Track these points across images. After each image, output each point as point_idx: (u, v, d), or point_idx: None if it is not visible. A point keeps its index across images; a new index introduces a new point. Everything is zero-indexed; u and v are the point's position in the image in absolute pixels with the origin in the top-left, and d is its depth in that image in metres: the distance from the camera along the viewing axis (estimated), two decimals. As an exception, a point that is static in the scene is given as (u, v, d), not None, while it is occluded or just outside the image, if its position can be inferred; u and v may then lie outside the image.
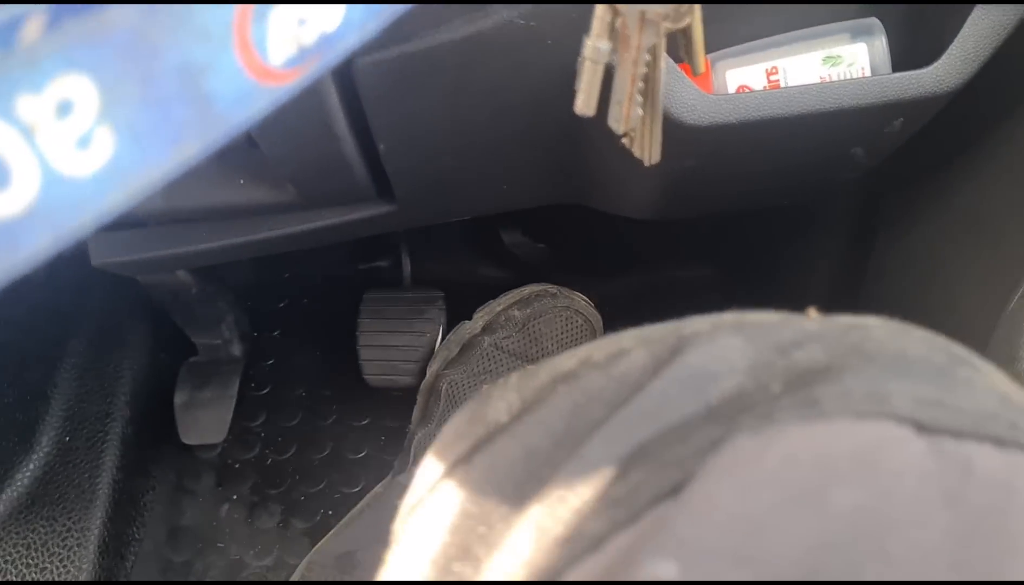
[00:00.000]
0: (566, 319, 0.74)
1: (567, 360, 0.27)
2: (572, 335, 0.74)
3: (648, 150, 0.32)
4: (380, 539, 0.60)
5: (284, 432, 0.90)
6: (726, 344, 0.24)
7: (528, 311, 0.74)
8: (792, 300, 0.80)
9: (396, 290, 0.86)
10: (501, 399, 0.28)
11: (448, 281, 0.95)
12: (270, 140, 0.44)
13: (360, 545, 0.68)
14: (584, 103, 0.30)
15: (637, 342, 0.26)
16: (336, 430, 0.90)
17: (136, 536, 0.83)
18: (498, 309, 0.75)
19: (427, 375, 0.77)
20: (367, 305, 0.84)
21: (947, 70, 0.43)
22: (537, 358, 0.73)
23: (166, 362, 0.87)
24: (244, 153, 0.51)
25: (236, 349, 0.81)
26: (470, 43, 0.40)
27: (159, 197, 0.50)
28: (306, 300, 0.99)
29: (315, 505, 0.85)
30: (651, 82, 0.30)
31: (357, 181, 0.51)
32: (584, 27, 0.31)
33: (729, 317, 0.27)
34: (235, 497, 0.86)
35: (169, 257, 0.54)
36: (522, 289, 0.76)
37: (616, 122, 0.30)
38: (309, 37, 0.16)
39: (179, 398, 0.79)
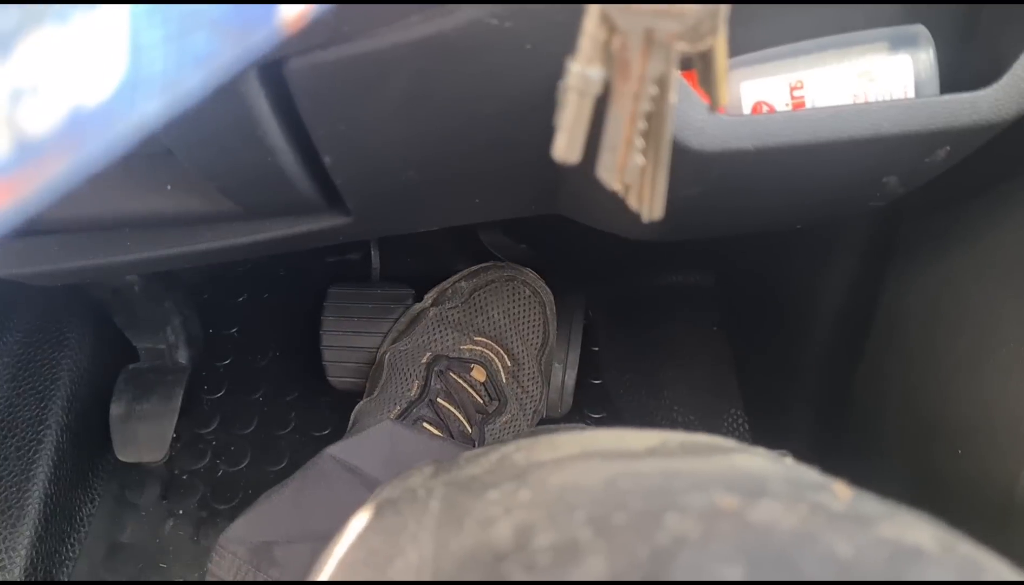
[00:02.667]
0: (512, 289, 0.73)
1: (502, 524, 0.20)
2: (519, 306, 0.73)
3: (649, 204, 0.25)
4: (303, 532, 0.53)
5: (237, 441, 0.83)
6: (721, 575, 0.17)
7: (475, 281, 0.74)
8: (796, 317, 0.73)
9: (363, 286, 0.79)
10: (413, 545, 0.22)
11: (421, 277, 0.88)
12: (186, 151, 0.37)
13: (280, 535, 0.61)
14: (567, 146, 0.22)
15: (596, 535, 0.19)
16: (294, 439, 0.83)
17: (70, 555, 0.76)
18: (447, 284, 0.75)
19: (376, 357, 0.75)
20: (332, 301, 0.77)
21: (1008, 94, 0.35)
22: (483, 329, 0.71)
23: (109, 363, 0.80)
24: (168, 157, 0.43)
25: (182, 356, 0.74)
26: (429, 46, 0.32)
27: (60, 203, 0.42)
28: (266, 295, 0.92)
29: (268, 524, 0.78)
30: (656, 122, 0.22)
31: (302, 194, 0.43)
32: (572, 32, 0.23)
33: (727, 504, 0.20)
34: (181, 512, 0.79)
35: (78, 269, 0.47)
36: (472, 267, 0.76)
37: (608, 172, 0.23)
38: (42, 120, 0.09)
39: (115, 409, 0.71)
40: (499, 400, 0.69)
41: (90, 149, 0.10)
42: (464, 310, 0.73)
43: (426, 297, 0.75)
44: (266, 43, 0.12)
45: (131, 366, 0.76)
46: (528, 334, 0.73)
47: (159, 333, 0.74)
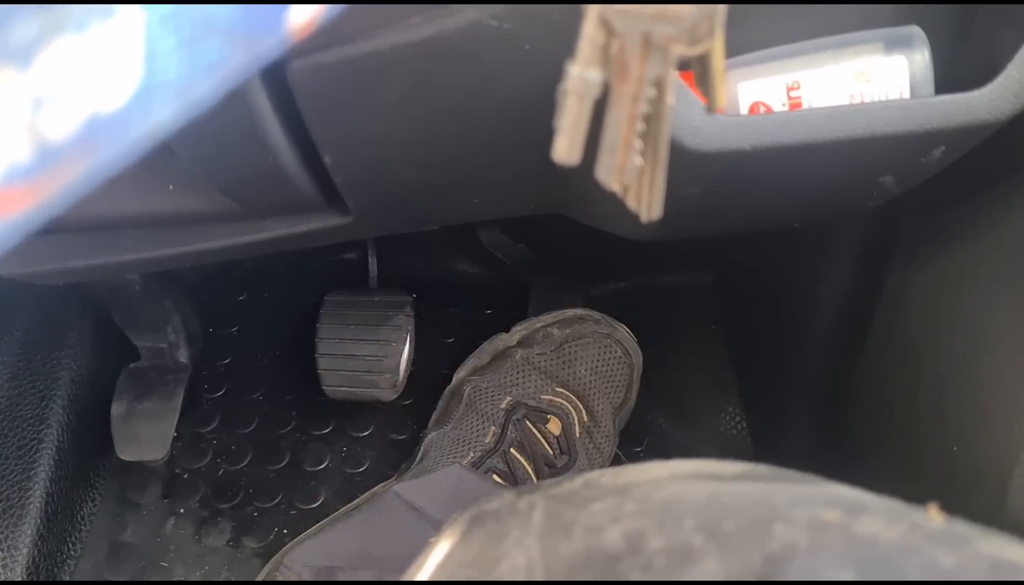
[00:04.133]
0: (605, 347, 0.73)
1: (612, 531, 0.21)
2: (608, 365, 0.73)
3: (647, 204, 0.25)
4: (367, 562, 0.54)
5: (238, 440, 0.83)
6: (833, 579, 0.18)
7: (568, 332, 0.73)
8: (793, 315, 0.74)
9: (361, 292, 0.79)
10: (519, 549, 0.22)
11: (420, 278, 0.88)
12: (189, 151, 0.37)
13: (344, 562, 0.62)
14: (567, 148, 0.23)
15: (707, 540, 0.20)
16: (295, 439, 0.83)
17: (72, 554, 0.76)
18: (537, 325, 0.75)
19: (452, 381, 0.75)
20: (328, 309, 0.76)
21: (1002, 94, 0.36)
22: (567, 382, 0.71)
23: (110, 362, 0.80)
24: (169, 157, 0.43)
25: (182, 355, 0.74)
26: (429, 46, 0.32)
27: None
28: (266, 293, 0.92)
29: (268, 522, 0.78)
30: (654, 123, 0.23)
31: (302, 193, 0.44)
32: (570, 33, 0.24)
33: (831, 518, 0.20)
34: (182, 511, 0.79)
35: (79, 269, 0.47)
36: (566, 311, 0.75)
37: (607, 173, 0.23)
38: (62, 126, 0.09)
39: (117, 409, 0.72)
40: (570, 455, 0.69)
41: (107, 154, 0.10)
42: (552, 359, 0.72)
43: (513, 331, 0.74)
44: (275, 50, 0.12)
45: (132, 365, 0.76)
46: (611, 393, 0.73)
47: (159, 332, 0.74)
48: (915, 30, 0.39)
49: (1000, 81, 0.36)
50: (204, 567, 0.76)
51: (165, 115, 0.10)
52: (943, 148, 0.38)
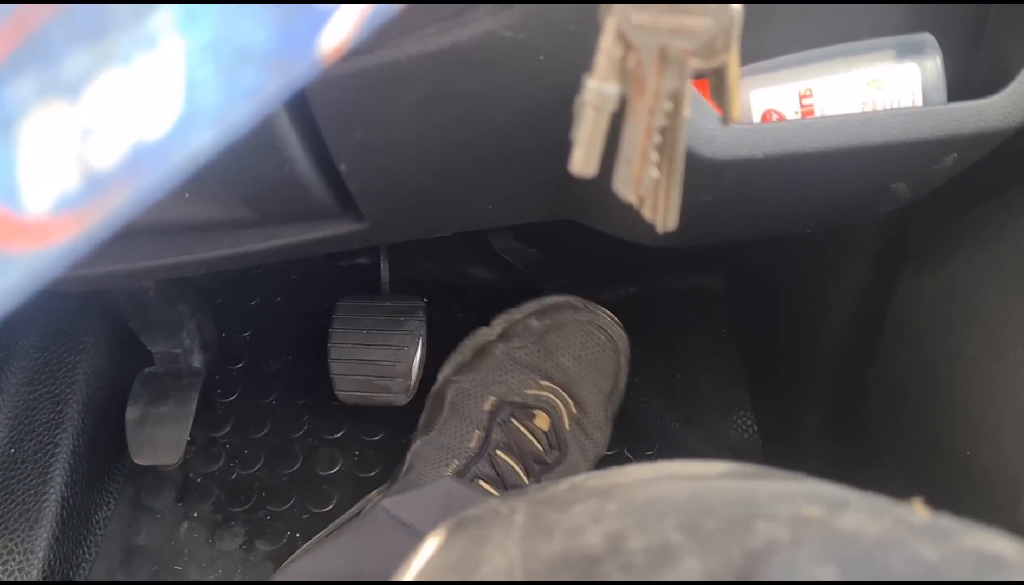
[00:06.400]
0: (586, 334, 0.71)
1: (592, 532, 0.21)
2: (591, 352, 0.71)
3: (663, 215, 0.25)
4: (354, 578, 0.54)
5: (251, 444, 0.83)
6: (814, 575, 0.18)
7: (547, 322, 0.71)
8: (805, 319, 0.74)
9: (373, 297, 0.79)
10: (499, 553, 0.22)
11: (432, 282, 0.89)
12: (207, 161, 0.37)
13: (332, 578, 0.62)
14: (584, 160, 0.23)
15: (688, 538, 0.20)
16: (307, 443, 0.84)
17: (87, 557, 0.77)
18: (517, 317, 0.73)
19: (437, 380, 0.74)
20: (340, 314, 0.77)
21: (1014, 101, 0.36)
22: (551, 373, 0.70)
23: (125, 368, 0.80)
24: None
25: (196, 360, 0.75)
26: (445, 56, 0.33)
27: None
28: (279, 299, 0.92)
29: (281, 526, 0.79)
30: (670, 136, 0.23)
31: (317, 200, 0.44)
32: (585, 43, 0.24)
33: (813, 514, 0.20)
34: (196, 515, 0.80)
35: (96, 276, 0.47)
36: (544, 299, 0.73)
37: (624, 185, 0.24)
38: (108, 155, 0.10)
39: (131, 413, 0.72)
40: (560, 450, 0.67)
41: (150, 180, 0.10)
42: (533, 352, 0.70)
43: (493, 324, 0.73)
44: (308, 75, 0.12)
45: (146, 370, 0.77)
46: (599, 381, 0.71)
47: (174, 337, 0.75)
48: (927, 37, 0.39)
49: (1012, 88, 0.36)
50: (217, 570, 0.77)
51: (204, 141, 0.11)
52: (955, 155, 0.38)
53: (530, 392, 0.69)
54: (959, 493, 0.51)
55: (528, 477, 0.66)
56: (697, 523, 0.22)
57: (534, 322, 0.71)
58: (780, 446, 0.78)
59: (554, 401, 0.69)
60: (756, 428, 0.82)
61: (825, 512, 0.23)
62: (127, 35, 0.09)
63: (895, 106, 0.38)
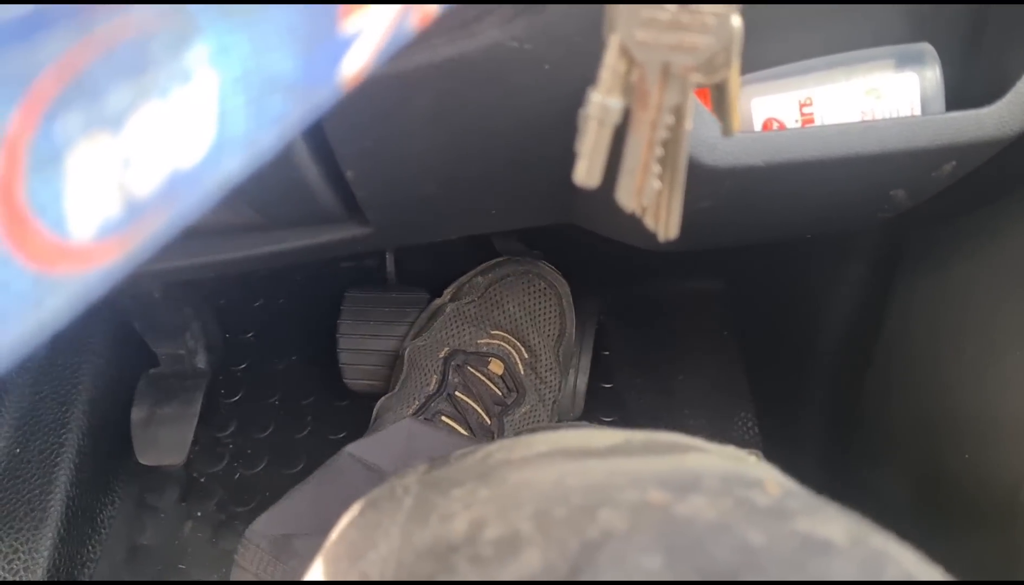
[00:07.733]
0: (527, 282, 0.74)
1: (459, 519, 0.22)
2: (534, 298, 0.74)
3: (665, 224, 0.26)
4: (323, 526, 0.55)
5: (254, 444, 0.84)
6: (641, 565, 0.19)
7: (491, 276, 0.75)
8: (805, 322, 0.74)
9: (379, 290, 0.80)
10: (385, 539, 0.23)
11: (436, 280, 0.89)
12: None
13: (299, 528, 0.63)
14: (587, 171, 0.24)
15: (536, 529, 0.20)
16: (310, 443, 0.84)
17: (92, 556, 0.77)
18: (464, 279, 0.76)
19: (399, 352, 0.76)
20: (348, 305, 0.78)
21: (1012, 110, 0.36)
22: (500, 322, 0.73)
23: (130, 368, 0.81)
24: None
25: (201, 361, 0.75)
26: (452, 66, 0.33)
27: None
28: (282, 300, 0.93)
29: (285, 526, 0.79)
30: (672, 148, 0.24)
31: (324, 206, 0.45)
32: (590, 54, 0.24)
33: (656, 499, 0.21)
34: (200, 514, 0.80)
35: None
36: (490, 261, 0.76)
37: (627, 195, 0.24)
38: (147, 183, 0.10)
39: (136, 414, 0.73)
40: (517, 392, 0.70)
41: (184, 205, 0.11)
42: (480, 305, 0.74)
43: (444, 293, 0.76)
44: (330, 101, 0.13)
45: (151, 371, 0.77)
46: (544, 325, 0.74)
47: (179, 338, 0.75)
48: (926, 47, 0.39)
49: (1010, 98, 0.36)
50: (220, 570, 0.77)
51: (234, 167, 0.11)
52: (954, 163, 0.39)
53: (483, 341, 0.71)
54: (959, 495, 0.51)
55: (490, 418, 0.67)
56: (549, 511, 0.22)
57: (479, 279, 0.75)
58: (781, 448, 0.78)
59: (506, 348, 0.71)
60: (757, 430, 0.82)
61: (669, 496, 0.23)
62: (165, 70, 0.10)
63: (894, 115, 0.39)
